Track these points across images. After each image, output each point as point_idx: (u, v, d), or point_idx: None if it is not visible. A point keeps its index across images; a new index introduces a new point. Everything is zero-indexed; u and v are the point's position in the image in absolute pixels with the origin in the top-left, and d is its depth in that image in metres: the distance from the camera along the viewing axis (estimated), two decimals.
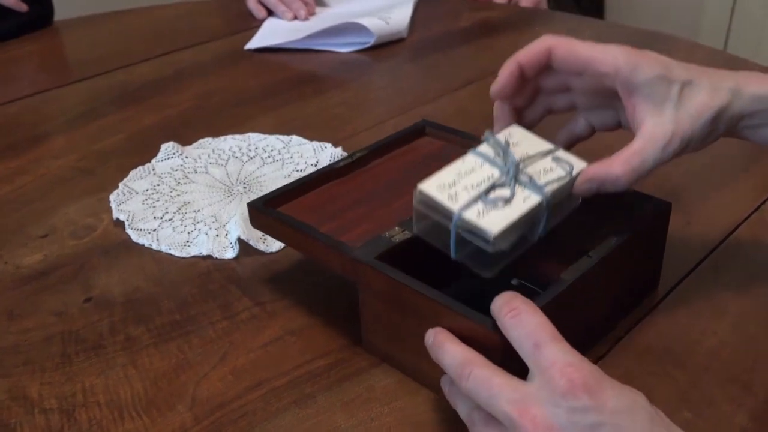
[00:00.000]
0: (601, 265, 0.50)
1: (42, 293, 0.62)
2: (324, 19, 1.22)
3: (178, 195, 0.74)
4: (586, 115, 0.56)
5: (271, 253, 0.66)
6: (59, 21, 1.28)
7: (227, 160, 0.80)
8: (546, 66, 0.53)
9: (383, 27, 1.12)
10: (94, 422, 0.49)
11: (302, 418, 0.49)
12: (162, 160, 0.80)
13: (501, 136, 0.52)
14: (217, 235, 0.68)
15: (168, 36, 1.21)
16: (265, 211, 0.57)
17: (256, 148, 0.82)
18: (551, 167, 0.50)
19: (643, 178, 0.50)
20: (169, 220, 0.70)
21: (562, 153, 0.51)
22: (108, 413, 0.50)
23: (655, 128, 0.49)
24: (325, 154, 0.80)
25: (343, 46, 1.12)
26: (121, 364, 0.54)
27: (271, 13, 1.26)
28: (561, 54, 0.51)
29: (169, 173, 0.78)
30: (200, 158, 0.80)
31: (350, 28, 1.11)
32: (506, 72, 0.53)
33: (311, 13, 1.24)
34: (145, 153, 0.81)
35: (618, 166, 0.49)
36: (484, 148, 0.51)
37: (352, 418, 0.48)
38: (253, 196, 0.72)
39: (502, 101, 0.55)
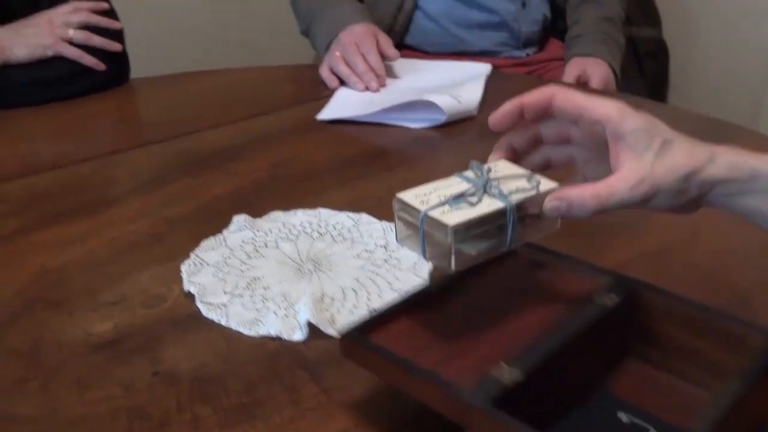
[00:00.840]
0: (733, 411, 0.46)
1: (111, 363, 0.62)
2: (395, 92, 1.24)
3: (249, 269, 0.75)
4: (583, 170, 0.61)
5: (334, 337, 0.65)
6: (134, 79, 1.33)
7: (297, 236, 0.81)
8: (546, 111, 0.58)
9: (455, 106, 1.13)
10: None
11: None
12: (233, 232, 0.81)
13: (486, 164, 0.58)
14: (286, 315, 0.68)
15: (240, 101, 1.25)
16: (361, 343, 0.53)
17: (327, 225, 0.83)
18: (523, 186, 0.56)
19: (608, 213, 0.54)
20: (239, 295, 0.71)
21: (538, 176, 0.57)
22: None
23: (630, 170, 0.54)
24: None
25: (414, 122, 1.13)
26: None
27: (342, 82, 1.29)
28: (560, 101, 0.57)
29: (240, 246, 0.79)
30: (271, 232, 0.81)
31: (422, 105, 1.13)
32: (508, 107, 0.60)
33: (382, 85, 1.27)
34: (216, 222, 0.83)
35: (587, 193, 0.54)
36: (467, 172, 0.57)
37: None
38: (323, 275, 0.73)
39: (502, 139, 0.61)
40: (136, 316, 0.68)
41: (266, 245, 0.79)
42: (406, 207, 0.54)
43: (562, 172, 0.62)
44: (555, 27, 1.65)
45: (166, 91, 1.31)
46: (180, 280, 0.73)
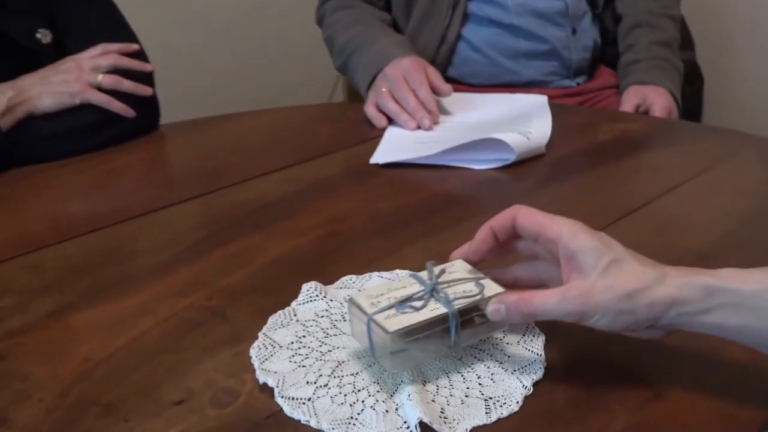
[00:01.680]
0: None
1: None
2: (452, 130, 1.14)
3: (329, 351, 0.64)
4: (550, 286, 0.60)
5: None
6: (164, 125, 1.23)
7: None
8: (514, 231, 0.62)
9: (524, 143, 1.03)
10: None
11: None
12: (303, 303, 0.71)
13: (442, 265, 0.63)
14: (387, 411, 0.57)
15: (279, 145, 1.14)
16: None
17: None
18: (471, 290, 0.60)
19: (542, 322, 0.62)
20: (325, 385, 0.60)
21: (487, 281, 0.61)
22: None
23: (571, 286, 0.56)
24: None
25: (479, 163, 1.03)
26: None
27: (391, 121, 1.18)
28: (521, 219, 0.61)
29: (314, 321, 0.68)
30: (347, 301, 0.70)
31: (487, 144, 1.02)
32: (480, 236, 0.64)
33: (435, 122, 1.16)
34: (280, 291, 0.72)
35: (525, 300, 0.57)
36: (423, 273, 0.62)
37: None
38: None
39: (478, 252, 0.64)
40: (207, 419, 0.57)
41: (344, 318, 0.68)
42: (356, 309, 0.59)
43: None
44: (604, 53, 1.54)
45: (198, 137, 1.21)
46: (251, 368, 0.62)
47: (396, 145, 1.10)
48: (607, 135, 1.16)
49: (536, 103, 1.21)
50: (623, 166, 1.05)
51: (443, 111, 1.21)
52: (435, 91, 1.20)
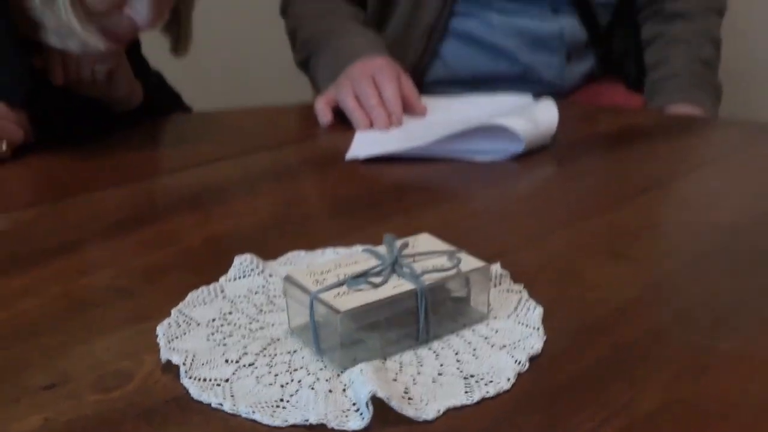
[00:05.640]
0: None
1: None
2: (435, 124, 0.99)
3: (261, 328, 0.51)
4: None
5: (426, 422, 0.40)
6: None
7: None
8: None
9: (532, 129, 0.89)
10: None
11: None
12: (235, 279, 0.57)
13: (405, 239, 0.52)
14: (331, 391, 0.43)
15: (236, 139, 1.01)
16: None
17: None
18: (443, 264, 0.49)
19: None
20: (250, 365, 0.46)
21: (463, 254, 0.51)
22: None
23: None
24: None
25: (480, 154, 0.89)
26: None
27: (340, 119, 1.05)
28: None
29: (245, 297, 0.55)
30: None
31: (488, 134, 0.89)
32: None
33: (395, 124, 1.00)
34: (210, 271, 0.58)
35: None
36: (379, 247, 0.51)
37: None
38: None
39: None
40: (82, 406, 0.43)
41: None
42: (296, 287, 0.48)
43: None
44: (607, 72, 1.36)
45: (160, 130, 1.08)
46: (155, 348, 0.48)
47: (373, 138, 0.96)
48: (612, 127, 1.05)
49: (527, 99, 1.08)
50: (636, 151, 0.93)
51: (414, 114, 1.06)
52: (407, 106, 1.04)
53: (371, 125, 0.99)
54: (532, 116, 0.92)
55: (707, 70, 1.22)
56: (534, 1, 1.23)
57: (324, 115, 1.04)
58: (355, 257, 0.51)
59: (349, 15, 1.26)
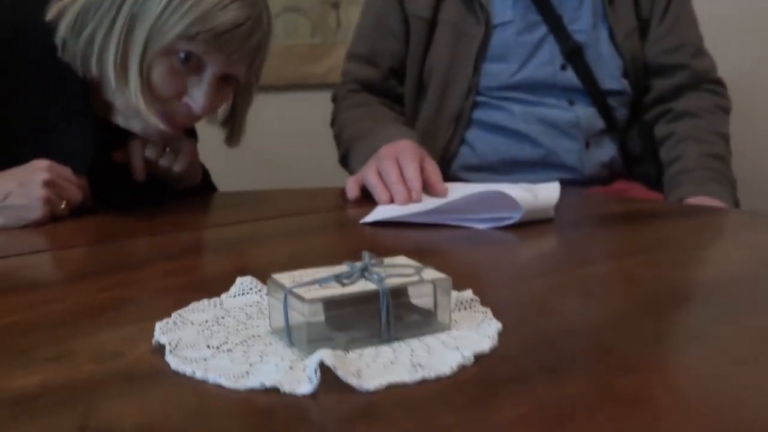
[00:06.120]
0: None
1: (17, 419, 0.43)
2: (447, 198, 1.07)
3: (247, 329, 0.57)
4: None
5: (368, 392, 0.46)
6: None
7: None
8: None
9: (531, 200, 0.95)
10: None
11: None
12: (234, 296, 0.64)
13: (383, 258, 0.58)
14: (291, 368, 0.49)
15: (272, 207, 1.10)
16: None
17: None
18: (408, 273, 0.55)
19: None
20: (228, 350, 0.52)
21: (428, 269, 0.57)
22: None
23: None
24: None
25: (480, 222, 0.95)
26: None
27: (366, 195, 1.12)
28: None
29: (240, 308, 0.61)
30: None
31: (490, 201, 0.95)
32: None
33: (415, 200, 1.06)
34: (216, 291, 0.65)
35: None
36: (358, 263, 0.56)
37: None
38: None
39: None
40: (77, 371, 0.50)
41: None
42: (275, 286, 0.54)
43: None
44: (630, 172, 1.42)
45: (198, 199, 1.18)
46: (151, 338, 0.55)
47: (390, 210, 1.04)
48: (620, 208, 1.09)
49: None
50: (637, 227, 0.97)
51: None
52: (429, 187, 1.10)
53: (392, 200, 1.06)
54: (533, 190, 0.98)
55: (721, 164, 1.27)
56: (551, 93, 1.32)
57: (351, 190, 1.12)
58: (335, 268, 0.56)
59: (388, 117, 1.36)
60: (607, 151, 1.37)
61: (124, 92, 0.97)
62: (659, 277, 0.71)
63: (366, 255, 0.57)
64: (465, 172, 1.35)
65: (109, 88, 1.00)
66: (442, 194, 1.09)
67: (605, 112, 1.34)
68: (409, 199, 1.05)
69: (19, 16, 1.03)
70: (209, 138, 1.20)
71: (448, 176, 1.33)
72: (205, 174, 1.29)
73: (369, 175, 1.10)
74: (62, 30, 0.98)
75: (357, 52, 1.44)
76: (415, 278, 0.55)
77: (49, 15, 0.99)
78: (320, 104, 1.53)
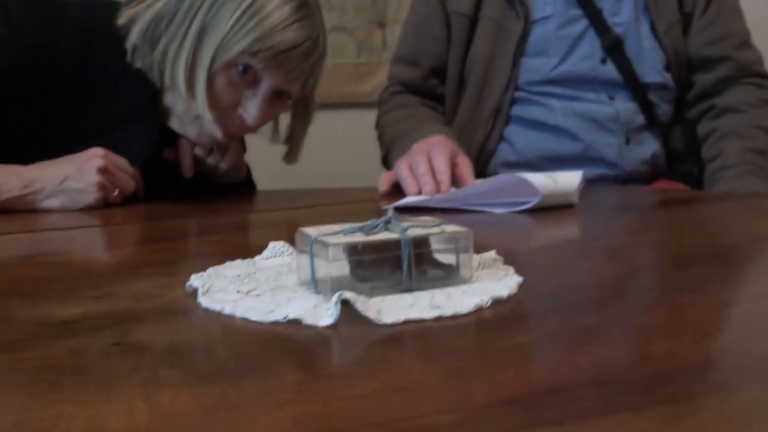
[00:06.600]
0: None
1: (60, 337, 0.46)
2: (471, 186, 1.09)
3: (276, 282, 0.59)
4: None
5: (386, 325, 0.48)
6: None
7: None
8: None
9: (550, 185, 0.97)
10: None
11: None
12: (267, 258, 0.67)
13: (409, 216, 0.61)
14: (315, 306, 0.51)
15: (310, 199, 1.14)
16: None
17: None
18: (431, 226, 0.57)
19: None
20: (257, 295, 0.55)
21: (451, 225, 0.58)
22: None
23: None
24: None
25: (500, 207, 0.98)
26: (129, 399, 0.36)
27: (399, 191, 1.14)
28: None
29: (272, 268, 0.64)
30: None
31: (510, 187, 0.98)
32: None
33: (442, 191, 1.08)
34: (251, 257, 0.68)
35: None
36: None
37: None
38: None
39: None
40: (116, 306, 0.53)
41: None
42: (302, 237, 0.56)
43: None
44: (672, 170, 1.43)
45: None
46: (185, 284, 0.58)
47: (414, 198, 1.06)
48: (652, 198, 1.10)
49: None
50: (665, 212, 0.98)
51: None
52: (461, 183, 1.12)
53: (420, 192, 1.08)
54: (553, 177, 1.00)
55: (762, 158, 1.27)
56: (591, 87, 1.33)
57: (382, 184, 1.17)
58: (361, 223, 0.58)
59: (427, 117, 1.39)
60: (648, 147, 1.37)
61: (192, 102, 1.02)
62: (683, 246, 0.73)
63: (390, 209, 0.59)
64: (504, 169, 1.37)
65: (170, 95, 1.05)
66: (470, 184, 1.11)
67: (646, 107, 1.35)
68: (437, 191, 1.07)
69: (91, 18, 1.08)
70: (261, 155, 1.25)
71: (488, 173, 1.36)
72: (248, 172, 1.33)
73: (401, 168, 1.13)
74: (134, 36, 1.03)
75: (400, 55, 1.49)
76: (437, 230, 0.57)
77: (121, 20, 1.04)
78: (365, 123, 1.57)
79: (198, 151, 1.16)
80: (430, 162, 1.10)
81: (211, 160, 1.18)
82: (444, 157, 1.10)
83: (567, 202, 0.99)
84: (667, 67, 1.37)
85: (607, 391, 0.37)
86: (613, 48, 1.33)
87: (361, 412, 0.34)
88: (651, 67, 1.35)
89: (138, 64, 1.05)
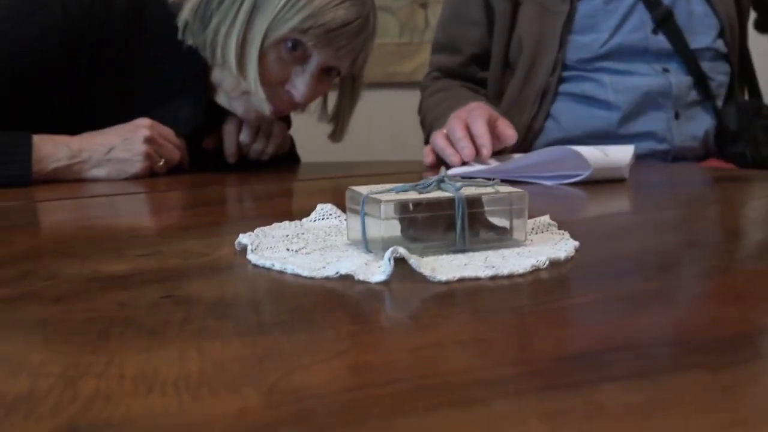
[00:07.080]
0: None
1: (109, 290, 0.45)
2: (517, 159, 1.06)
3: (325, 242, 0.58)
4: None
5: (440, 282, 0.46)
6: None
7: None
8: None
9: (601, 158, 0.95)
10: (100, 391, 0.30)
11: (459, 420, 0.26)
12: (314, 220, 0.65)
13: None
14: (366, 264, 0.49)
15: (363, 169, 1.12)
16: None
17: None
18: (485, 186, 0.55)
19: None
20: (307, 253, 0.53)
21: (506, 186, 0.56)
22: (127, 386, 0.30)
23: None
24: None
25: (551, 179, 0.95)
26: (179, 348, 0.35)
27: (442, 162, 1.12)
28: None
29: (320, 229, 0.62)
30: None
31: (561, 159, 0.95)
32: None
33: (484, 157, 1.05)
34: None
35: None
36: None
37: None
38: None
39: None
40: (164, 263, 0.52)
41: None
42: (354, 195, 0.54)
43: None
44: (722, 151, 1.37)
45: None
46: (233, 244, 0.57)
47: (459, 170, 1.04)
48: (702, 176, 1.07)
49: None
50: (713, 189, 0.95)
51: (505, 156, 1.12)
52: (500, 137, 1.09)
53: (462, 162, 1.06)
54: (604, 150, 0.97)
55: None
56: (643, 58, 1.29)
57: (426, 155, 1.14)
58: (409, 183, 0.56)
59: (468, 96, 1.36)
60: (700, 124, 1.33)
61: (243, 79, 1.01)
62: (740, 219, 0.70)
63: (443, 169, 0.57)
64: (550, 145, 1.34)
65: (219, 71, 1.04)
66: (512, 139, 1.09)
67: (699, 78, 1.31)
68: (475, 155, 1.05)
69: None
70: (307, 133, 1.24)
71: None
72: (292, 145, 1.32)
73: (436, 139, 1.11)
74: (185, 13, 1.02)
75: (437, 42, 1.49)
76: (491, 190, 0.55)
77: None
78: (407, 102, 1.55)
79: (243, 137, 1.15)
80: (468, 127, 1.08)
81: (256, 146, 1.17)
82: (482, 121, 1.08)
83: (618, 176, 0.96)
84: (720, 33, 1.33)
85: (680, 350, 0.35)
86: (664, 20, 1.29)
87: (420, 363, 0.33)
88: (703, 33, 1.32)
89: (189, 42, 1.05)
